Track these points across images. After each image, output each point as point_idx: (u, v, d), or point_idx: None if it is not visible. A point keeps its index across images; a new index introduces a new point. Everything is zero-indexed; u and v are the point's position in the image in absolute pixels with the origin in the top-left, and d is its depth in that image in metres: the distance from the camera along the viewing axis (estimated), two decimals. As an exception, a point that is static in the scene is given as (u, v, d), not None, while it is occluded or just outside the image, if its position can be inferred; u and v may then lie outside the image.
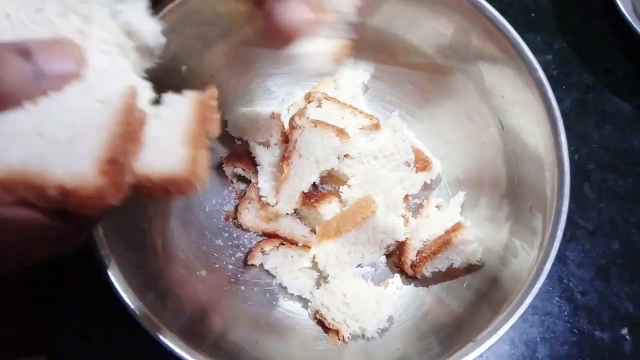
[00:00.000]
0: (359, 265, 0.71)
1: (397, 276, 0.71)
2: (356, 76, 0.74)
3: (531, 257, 0.58)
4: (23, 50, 0.33)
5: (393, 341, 0.65)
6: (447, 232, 0.67)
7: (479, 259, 0.66)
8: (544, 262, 0.56)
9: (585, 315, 0.73)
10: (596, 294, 0.74)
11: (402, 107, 0.75)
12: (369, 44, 0.71)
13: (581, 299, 0.73)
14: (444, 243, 0.66)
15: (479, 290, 0.64)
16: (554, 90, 0.61)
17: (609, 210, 0.77)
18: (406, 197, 0.71)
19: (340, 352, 0.65)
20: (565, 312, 0.73)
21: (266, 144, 0.71)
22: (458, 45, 0.67)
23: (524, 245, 0.62)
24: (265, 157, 0.70)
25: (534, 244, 0.59)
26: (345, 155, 0.70)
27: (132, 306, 0.53)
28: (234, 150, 0.73)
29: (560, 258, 0.74)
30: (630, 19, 0.79)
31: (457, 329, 0.61)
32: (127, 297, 0.53)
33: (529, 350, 0.71)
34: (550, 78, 0.61)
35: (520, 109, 0.64)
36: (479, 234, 0.66)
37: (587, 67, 0.85)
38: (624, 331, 0.72)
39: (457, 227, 0.66)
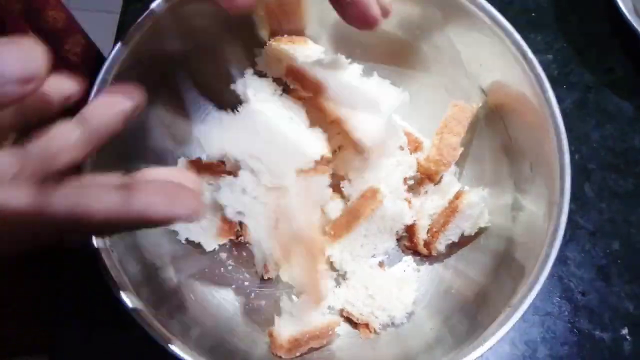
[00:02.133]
0: (372, 256, 0.71)
1: (410, 258, 0.72)
2: None
3: (540, 212, 0.61)
4: None
5: (423, 323, 0.66)
6: (451, 201, 0.68)
7: (487, 220, 0.68)
8: (544, 263, 0.56)
9: (586, 315, 0.72)
10: (596, 294, 0.74)
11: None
12: (337, 36, 0.73)
13: (581, 299, 0.73)
14: (451, 212, 0.67)
15: (496, 253, 0.66)
16: (554, 90, 0.61)
17: (609, 210, 0.77)
18: (405, 179, 0.71)
19: (375, 344, 0.66)
20: (566, 312, 0.73)
21: None
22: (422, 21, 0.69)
23: (530, 201, 0.64)
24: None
25: (541, 200, 0.61)
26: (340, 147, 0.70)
27: (131, 307, 0.53)
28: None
29: (560, 258, 0.74)
30: (630, 19, 0.79)
31: (482, 300, 0.63)
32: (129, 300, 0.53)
33: (529, 351, 0.71)
34: (550, 78, 0.61)
35: (526, 121, 0.65)
36: (483, 193, 0.68)
37: (588, 66, 0.84)
38: (624, 331, 0.72)
39: (459, 194, 0.67)
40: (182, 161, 0.71)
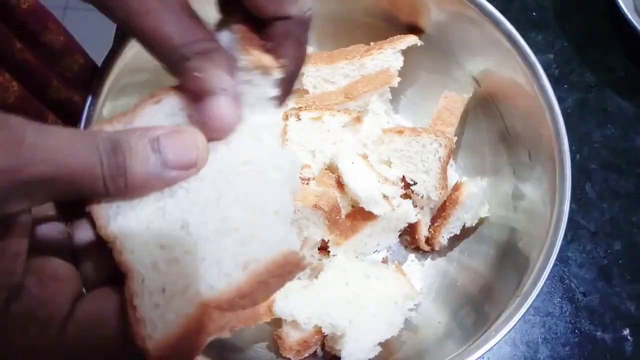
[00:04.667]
0: (375, 252, 0.71)
1: (414, 253, 0.72)
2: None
3: (541, 199, 0.61)
4: (153, 139, 0.32)
5: (432, 317, 0.67)
6: (450, 194, 0.68)
7: (487, 210, 0.69)
8: (545, 263, 0.56)
9: (587, 315, 0.72)
10: (598, 294, 0.73)
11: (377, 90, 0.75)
12: (324, 36, 0.73)
13: (583, 300, 0.73)
14: (451, 204, 0.67)
15: (499, 244, 0.66)
16: (555, 90, 0.61)
17: (610, 210, 0.77)
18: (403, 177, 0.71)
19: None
20: (567, 313, 0.72)
21: None
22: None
23: (531, 189, 0.64)
24: None
25: (542, 186, 0.61)
26: None
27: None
28: None
29: (561, 258, 0.74)
30: (631, 18, 0.79)
31: (488, 292, 0.63)
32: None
33: (530, 351, 0.70)
34: (551, 77, 0.61)
35: (521, 109, 0.65)
36: (482, 183, 0.68)
37: (589, 66, 0.84)
38: (626, 332, 0.72)
39: (458, 186, 0.67)
40: None
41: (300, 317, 0.60)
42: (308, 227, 0.64)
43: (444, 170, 0.66)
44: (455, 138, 0.69)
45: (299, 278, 0.68)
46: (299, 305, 0.60)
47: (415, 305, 0.66)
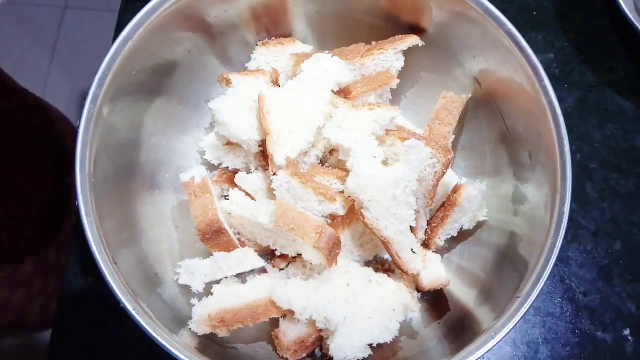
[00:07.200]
0: (376, 255, 0.70)
1: None
2: (323, 69, 0.72)
3: (542, 201, 0.61)
4: None
5: (432, 317, 0.67)
6: (449, 196, 0.68)
7: (485, 214, 0.69)
8: (545, 264, 0.56)
9: (588, 316, 0.72)
10: (598, 294, 0.73)
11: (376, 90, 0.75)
12: (325, 35, 0.74)
13: (583, 300, 0.73)
14: (450, 206, 0.67)
15: (498, 248, 0.66)
16: (555, 90, 0.61)
17: (611, 210, 0.77)
18: None
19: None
20: (568, 313, 0.72)
21: (246, 170, 0.71)
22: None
23: (532, 190, 0.64)
24: (257, 184, 0.69)
25: (542, 188, 0.61)
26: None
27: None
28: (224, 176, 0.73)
29: (562, 259, 0.74)
30: (632, 18, 0.79)
31: (488, 294, 0.63)
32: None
33: (530, 352, 0.70)
34: (552, 77, 0.61)
35: (522, 108, 0.65)
36: (481, 186, 0.68)
37: (590, 66, 0.84)
38: (626, 332, 0.72)
39: (458, 188, 0.67)
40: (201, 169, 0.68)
41: (296, 307, 0.60)
42: (306, 255, 0.63)
43: (436, 183, 0.66)
44: (453, 137, 0.69)
45: (303, 273, 0.68)
46: (298, 295, 0.60)
47: (410, 319, 0.66)
